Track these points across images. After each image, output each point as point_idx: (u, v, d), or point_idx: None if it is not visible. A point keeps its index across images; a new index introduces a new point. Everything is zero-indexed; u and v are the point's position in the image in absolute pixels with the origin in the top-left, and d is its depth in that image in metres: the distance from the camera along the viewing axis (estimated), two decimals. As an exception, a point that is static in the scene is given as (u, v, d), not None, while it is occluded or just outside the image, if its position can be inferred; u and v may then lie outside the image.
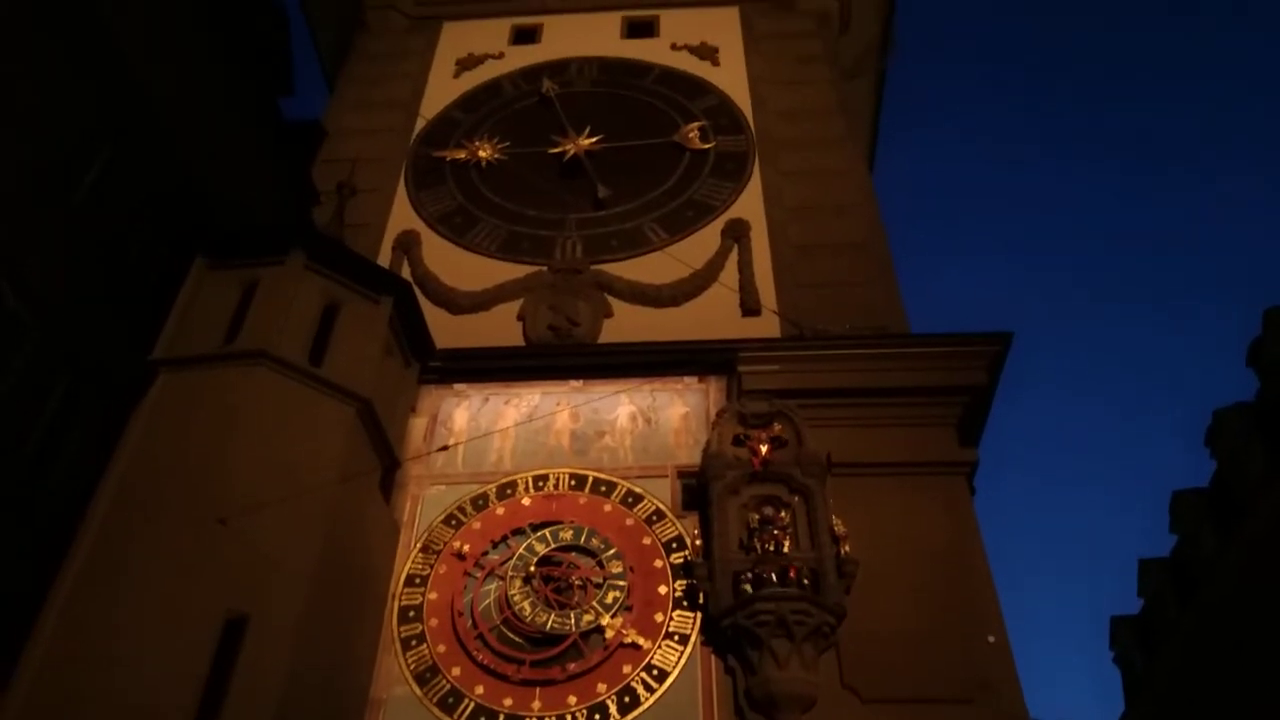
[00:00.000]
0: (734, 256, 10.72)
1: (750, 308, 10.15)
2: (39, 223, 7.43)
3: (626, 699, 7.49)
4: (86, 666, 6.13)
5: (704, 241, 10.94)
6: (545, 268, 10.78)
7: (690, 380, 9.38)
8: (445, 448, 8.91)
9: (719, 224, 11.13)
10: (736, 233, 10.97)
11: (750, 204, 11.37)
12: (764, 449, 8.44)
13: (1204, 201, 41.61)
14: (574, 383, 9.50)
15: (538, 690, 7.57)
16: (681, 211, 11.37)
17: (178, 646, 6.24)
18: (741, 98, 12.89)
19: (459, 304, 10.53)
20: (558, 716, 7.43)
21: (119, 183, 8.36)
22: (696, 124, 12.47)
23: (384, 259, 11.09)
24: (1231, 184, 40.54)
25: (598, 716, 7.42)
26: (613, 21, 14.59)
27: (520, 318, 10.32)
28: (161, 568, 6.58)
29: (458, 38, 14.69)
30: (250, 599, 6.64)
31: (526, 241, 11.18)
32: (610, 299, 10.43)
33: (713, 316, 10.08)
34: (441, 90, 13.79)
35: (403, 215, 11.82)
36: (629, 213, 11.37)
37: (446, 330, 9.88)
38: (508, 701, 7.53)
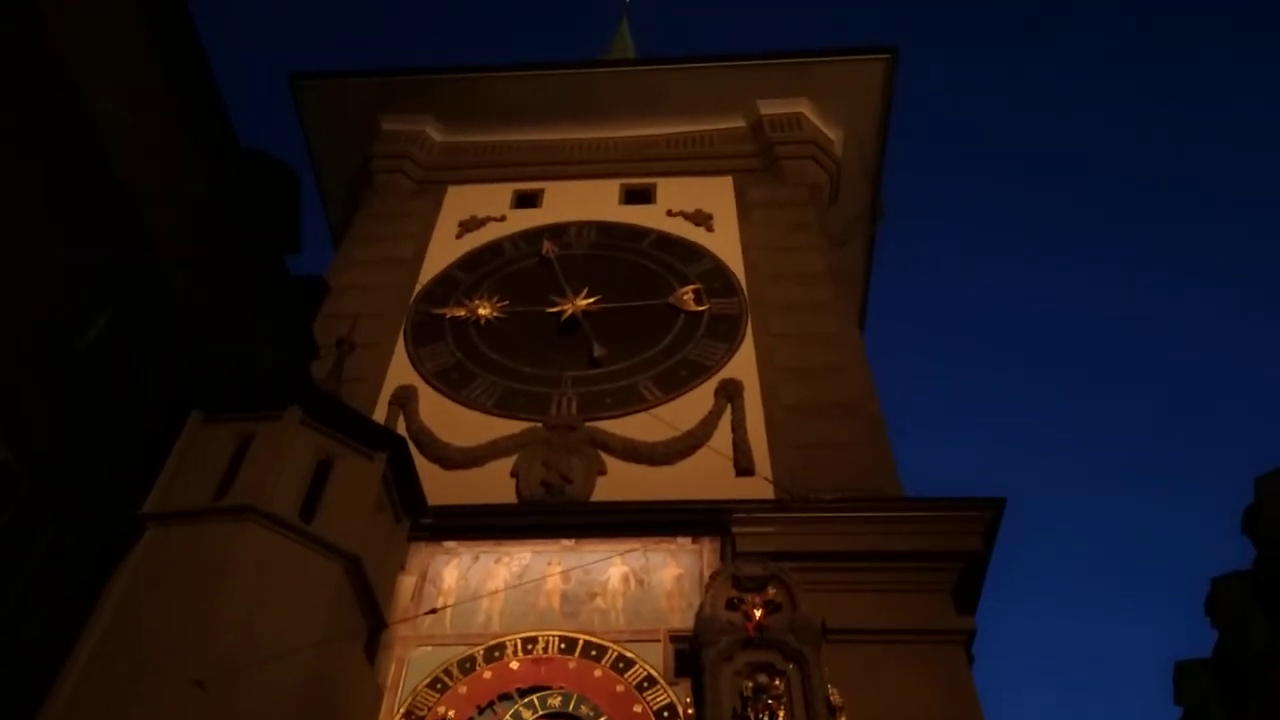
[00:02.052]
0: (727, 416, 10.83)
1: (744, 467, 10.19)
2: (38, 375, 7.50)
3: None
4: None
5: (698, 401, 11.09)
6: (540, 424, 10.86)
7: (684, 541, 9.31)
8: (434, 611, 8.73)
9: (712, 384, 11.31)
10: (730, 393, 11.13)
11: (743, 365, 11.59)
12: (758, 613, 8.28)
13: (1197, 366, 42.45)
14: (566, 541, 9.41)
15: None
16: (676, 371, 11.57)
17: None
18: (735, 262, 13.34)
19: (453, 459, 10.55)
20: None
21: (121, 338, 8.48)
22: (691, 287, 12.86)
23: (380, 413, 11.18)
24: (1224, 346, 41.47)
25: None
26: (611, 188, 15.27)
27: (514, 474, 10.33)
28: (133, 733, 6.34)
29: (461, 200, 15.32)
30: (223, 768, 6.38)
31: (522, 398, 11.32)
32: (604, 456, 10.47)
33: (706, 476, 10.11)
34: (443, 250, 14.26)
35: (401, 370, 12.00)
36: (624, 371, 11.57)
37: (439, 486, 9.85)
38: None
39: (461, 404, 11.40)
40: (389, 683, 8.40)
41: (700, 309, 12.53)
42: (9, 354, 7.21)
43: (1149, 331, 42.76)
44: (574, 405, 11.15)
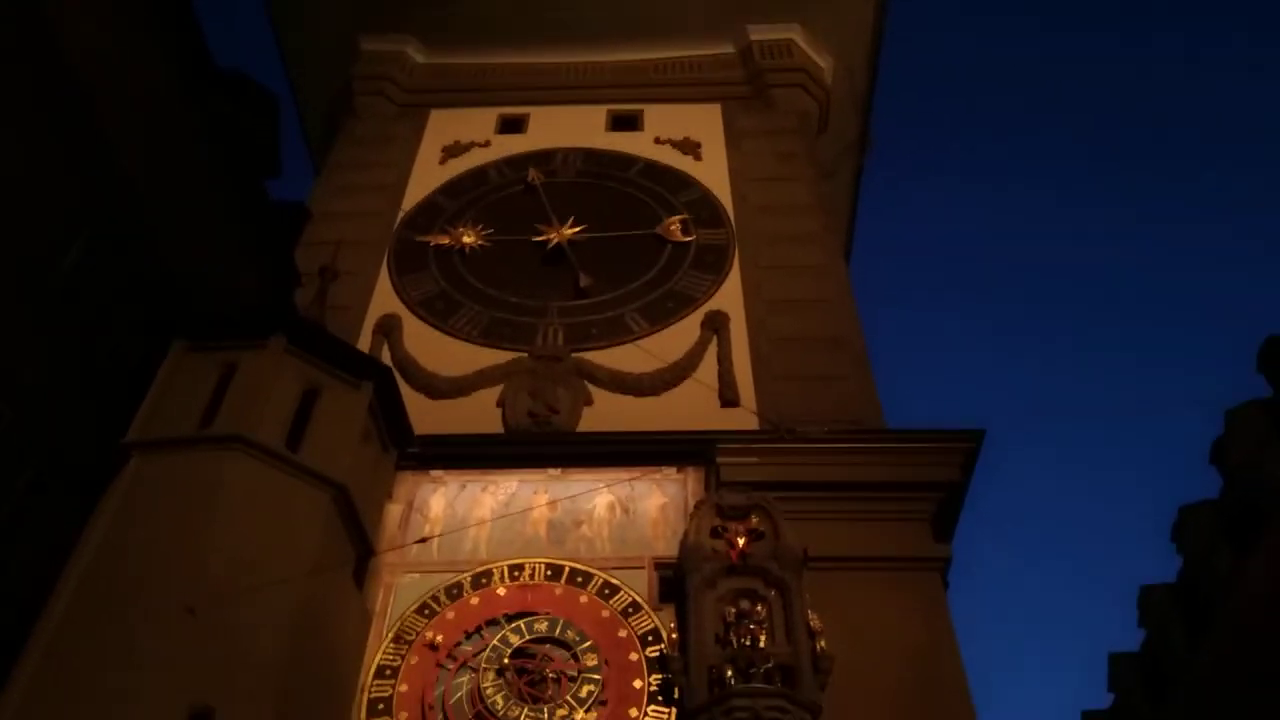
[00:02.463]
0: (713, 348, 10.87)
1: (729, 399, 10.27)
2: (14, 307, 7.40)
3: (599, 799, 7.35)
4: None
5: (684, 332, 11.11)
6: (526, 354, 10.86)
7: (669, 471, 9.41)
8: (424, 540, 8.83)
9: (699, 315, 11.32)
10: (716, 324, 11.15)
11: (730, 296, 11.59)
12: (741, 541, 8.44)
13: (1168, 303, 42.81)
14: (552, 471, 9.51)
15: (509, 789, 7.41)
16: (662, 302, 11.56)
17: (140, 742, 6.08)
18: (722, 192, 13.22)
19: (439, 389, 10.56)
20: (529, 816, 7.28)
21: (97, 266, 8.36)
22: (678, 217, 12.76)
23: (364, 342, 11.13)
24: (1196, 285, 41.79)
25: (569, 817, 7.26)
26: (598, 114, 15.00)
27: (500, 404, 10.36)
28: (125, 659, 6.41)
29: (445, 125, 15.02)
30: (216, 691, 6.47)
31: (508, 328, 11.29)
32: (590, 387, 10.51)
33: (692, 407, 10.19)
34: (427, 176, 14.04)
35: (384, 299, 11.92)
36: (610, 302, 11.54)
37: (425, 415, 9.88)
38: (478, 800, 7.38)
39: (447, 333, 11.36)
40: (378, 609, 8.54)
41: (687, 239, 12.45)
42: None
43: (1128, 267, 42.98)
44: (560, 336, 11.13)
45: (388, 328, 11.42)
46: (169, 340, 8.57)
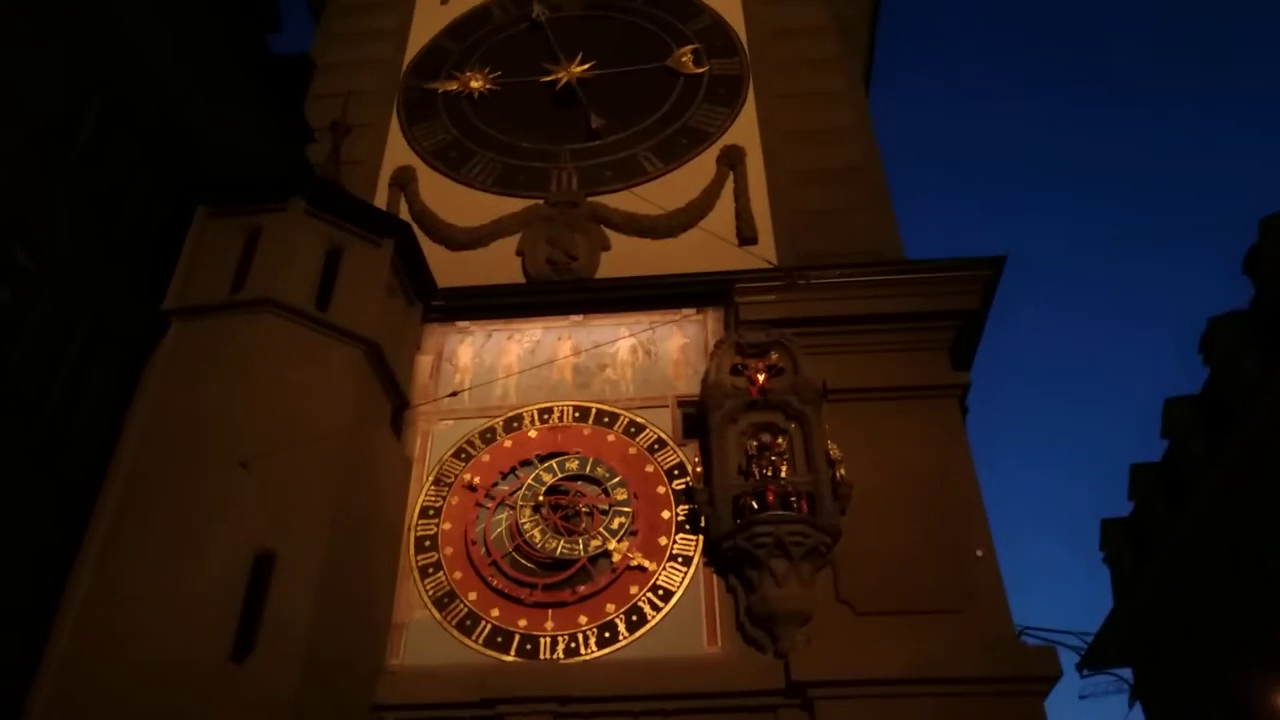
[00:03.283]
0: (730, 184, 10.72)
1: (747, 236, 10.21)
2: (40, 180, 7.51)
3: (634, 618, 7.95)
4: (125, 608, 6.50)
5: (699, 169, 10.94)
6: (542, 201, 10.82)
7: (688, 312, 9.56)
8: (455, 393, 9.14)
9: (714, 151, 11.09)
10: (732, 159, 10.94)
11: (745, 129, 11.31)
12: (761, 378, 8.68)
13: (1200, 110, 41.02)
14: (575, 317, 9.72)
15: (550, 612, 8.04)
16: (676, 139, 11.33)
17: (212, 583, 6.62)
18: (735, 17, 12.65)
19: (457, 240, 10.63)
20: (570, 636, 7.90)
21: (114, 134, 8.40)
22: (689, 47, 12.32)
23: (380, 196, 11.16)
24: (1228, 94, 39.87)
25: (607, 634, 7.88)
26: (601, -64, 14.21)
27: (519, 253, 10.43)
28: (189, 511, 6.91)
29: (442, -41, 14.36)
30: (276, 536, 7.01)
31: (522, 175, 11.20)
32: (607, 231, 10.51)
33: (709, 246, 10.15)
34: (429, 17, 13.57)
35: (397, 150, 11.81)
36: (623, 142, 11.35)
37: (446, 267, 10.02)
38: (522, 622, 8.01)
39: (461, 183, 11.29)
40: (416, 454, 9.00)
41: (700, 71, 12.07)
42: (9, 162, 7.19)
43: (1153, 83, 41.00)
44: (574, 180, 11.04)
45: (403, 180, 11.37)
46: (190, 205, 8.69)
